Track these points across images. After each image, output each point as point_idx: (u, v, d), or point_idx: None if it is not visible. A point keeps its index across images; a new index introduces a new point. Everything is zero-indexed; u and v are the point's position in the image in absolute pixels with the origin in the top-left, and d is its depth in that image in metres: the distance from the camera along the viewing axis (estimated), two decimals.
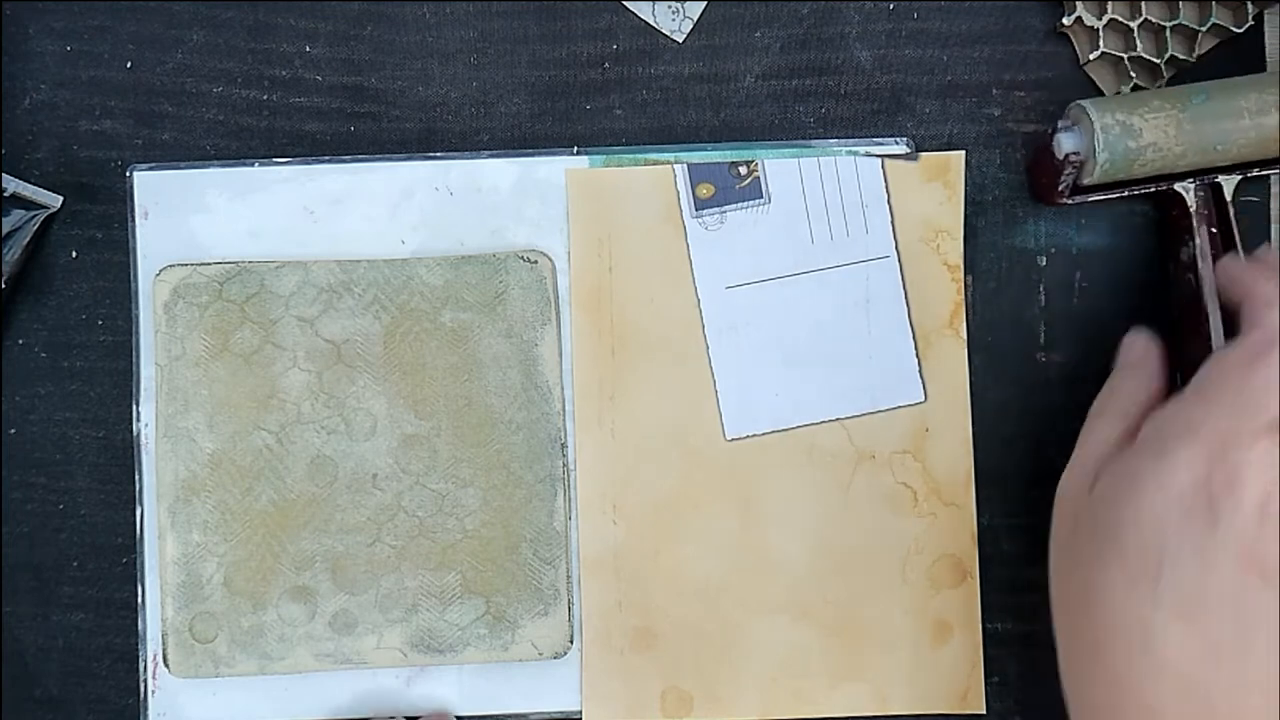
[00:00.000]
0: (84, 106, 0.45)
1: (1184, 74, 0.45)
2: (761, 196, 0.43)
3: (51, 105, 0.45)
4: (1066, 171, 0.42)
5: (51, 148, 0.45)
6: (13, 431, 0.45)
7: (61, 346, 0.45)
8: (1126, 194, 0.43)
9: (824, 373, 0.43)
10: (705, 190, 0.44)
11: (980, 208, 0.45)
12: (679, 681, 0.43)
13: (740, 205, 0.43)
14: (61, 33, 0.45)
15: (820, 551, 0.43)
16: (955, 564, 0.43)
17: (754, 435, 0.43)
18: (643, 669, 0.43)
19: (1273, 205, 0.45)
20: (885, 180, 0.43)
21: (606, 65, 0.45)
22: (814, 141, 0.44)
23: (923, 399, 0.43)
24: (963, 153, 0.43)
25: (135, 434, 0.43)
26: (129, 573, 0.44)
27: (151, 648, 0.43)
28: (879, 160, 0.43)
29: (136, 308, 0.43)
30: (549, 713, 0.43)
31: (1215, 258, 0.43)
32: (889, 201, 0.43)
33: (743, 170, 0.43)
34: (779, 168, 0.44)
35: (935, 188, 0.43)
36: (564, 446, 0.43)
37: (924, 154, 0.44)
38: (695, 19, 0.45)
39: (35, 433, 0.45)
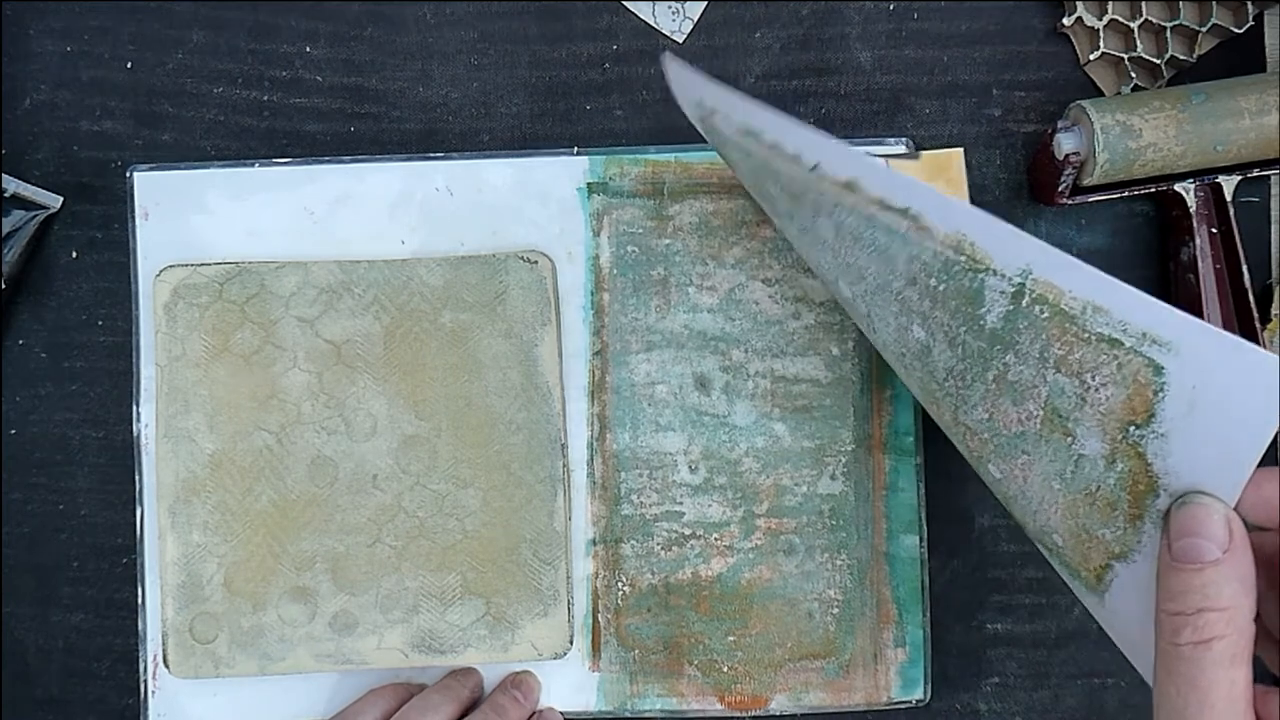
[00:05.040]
0: (84, 107, 0.45)
1: (1184, 74, 0.45)
2: None
3: (52, 106, 0.45)
4: (1066, 172, 0.42)
5: (52, 148, 0.45)
6: (13, 432, 0.45)
7: (61, 347, 0.45)
8: (1126, 194, 0.43)
9: None
10: None
11: (980, 208, 0.45)
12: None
13: None
14: (61, 33, 0.45)
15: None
16: None
17: None
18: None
19: (1273, 205, 0.45)
20: None
21: (607, 65, 0.45)
22: None
23: None
24: (960, 150, 0.43)
25: (135, 434, 0.43)
26: (129, 573, 0.44)
27: (151, 648, 0.43)
28: (882, 160, 0.43)
29: (137, 308, 0.43)
30: None
31: (1215, 258, 0.43)
32: None
33: None
34: None
35: (938, 186, 0.43)
36: (564, 447, 0.43)
37: (924, 152, 0.43)
38: (695, 19, 0.45)
39: (35, 433, 0.45)
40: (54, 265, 0.45)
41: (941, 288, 0.33)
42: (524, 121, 0.45)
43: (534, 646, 0.43)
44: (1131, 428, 0.30)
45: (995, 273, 0.32)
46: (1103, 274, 0.30)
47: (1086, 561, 0.32)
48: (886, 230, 0.34)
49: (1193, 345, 0.28)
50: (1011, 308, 0.31)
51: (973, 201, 0.45)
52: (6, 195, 0.43)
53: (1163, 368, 0.29)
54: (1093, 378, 0.30)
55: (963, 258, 0.32)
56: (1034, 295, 0.31)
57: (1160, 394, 0.29)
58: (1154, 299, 0.29)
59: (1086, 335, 0.30)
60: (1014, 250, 0.31)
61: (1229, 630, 0.27)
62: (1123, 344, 0.29)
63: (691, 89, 0.38)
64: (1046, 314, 0.31)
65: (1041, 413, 0.32)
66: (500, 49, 0.45)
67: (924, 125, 0.45)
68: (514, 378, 0.43)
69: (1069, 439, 0.31)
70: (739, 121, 0.37)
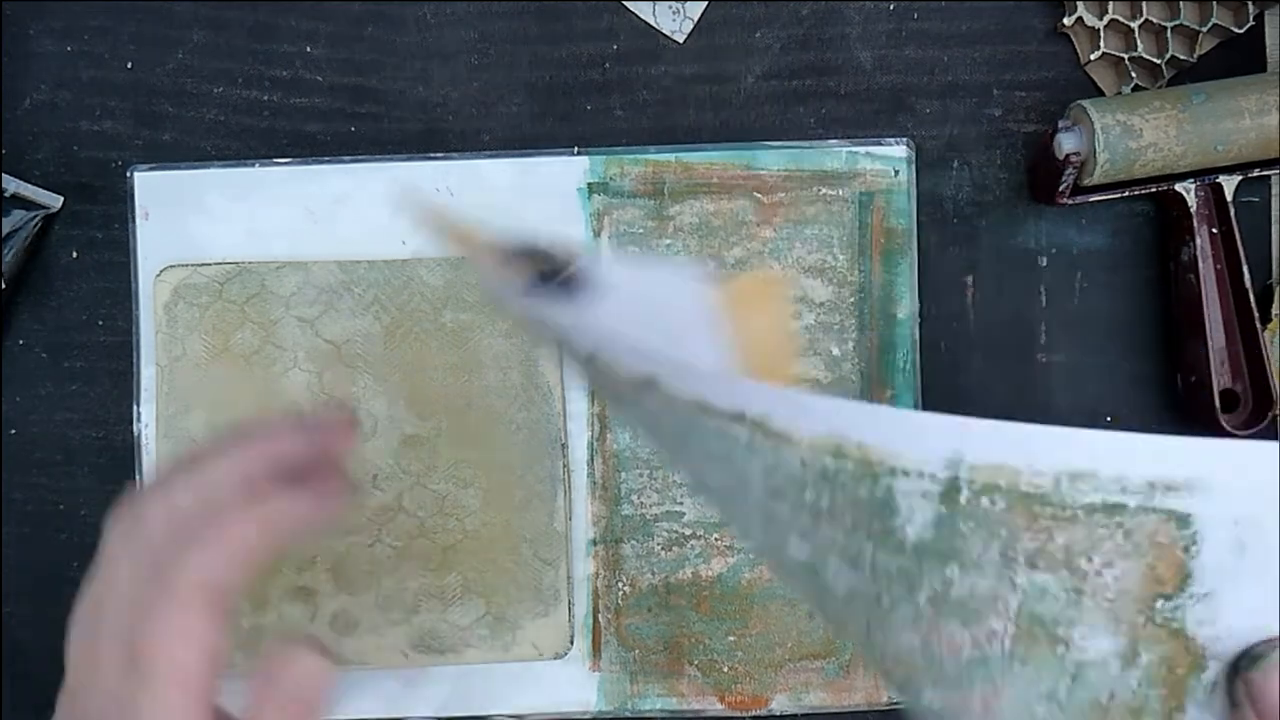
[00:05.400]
0: (84, 107, 0.45)
1: (1184, 74, 0.45)
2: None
3: (52, 106, 0.45)
4: (1067, 172, 0.42)
5: (52, 148, 0.45)
6: (13, 432, 0.45)
7: (62, 347, 0.45)
8: (1127, 194, 0.43)
9: None
10: None
11: (981, 208, 0.45)
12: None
13: None
14: (62, 33, 0.45)
15: None
16: None
17: None
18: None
19: (1273, 205, 0.45)
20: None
21: (607, 66, 0.45)
22: (814, 142, 0.44)
23: None
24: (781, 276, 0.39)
25: (135, 434, 0.43)
26: None
27: None
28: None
29: (137, 308, 0.43)
30: (550, 713, 0.43)
31: (1216, 258, 0.43)
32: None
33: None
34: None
35: (748, 315, 0.32)
36: (564, 447, 0.43)
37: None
38: (695, 19, 0.45)
39: (35, 433, 0.45)
40: (54, 265, 0.45)
41: (825, 502, 0.24)
42: (524, 121, 0.45)
43: (534, 646, 0.43)
44: (1160, 602, 0.22)
45: (907, 474, 0.22)
46: (1073, 430, 0.22)
47: None
48: (720, 436, 0.24)
49: (1224, 473, 0.21)
50: (944, 511, 0.23)
51: (973, 203, 0.45)
52: (6, 195, 0.43)
53: (1189, 516, 0.21)
54: (1090, 561, 0.22)
55: (849, 464, 0.23)
56: (976, 488, 0.22)
57: (1194, 548, 0.22)
58: (1150, 436, 0.21)
59: (1070, 513, 0.22)
60: (929, 439, 0.22)
61: None
62: (1126, 506, 0.22)
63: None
64: (1003, 504, 0.22)
65: (1013, 628, 0.23)
66: (500, 49, 0.45)
67: (924, 125, 0.45)
68: (514, 378, 0.43)
69: (1061, 647, 0.23)
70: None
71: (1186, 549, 0.22)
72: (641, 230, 0.44)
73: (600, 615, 0.44)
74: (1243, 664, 0.22)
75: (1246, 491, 0.21)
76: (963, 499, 0.22)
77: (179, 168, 0.44)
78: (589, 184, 0.44)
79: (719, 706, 0.43)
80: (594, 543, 0.44)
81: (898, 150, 0.44)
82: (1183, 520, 0.21)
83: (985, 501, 0.22)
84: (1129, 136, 0.41)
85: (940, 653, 0.24)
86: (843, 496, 0.23)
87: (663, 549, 0.44)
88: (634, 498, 0.44)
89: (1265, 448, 0.21)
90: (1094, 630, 0.22)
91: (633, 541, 0.44)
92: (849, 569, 0.24)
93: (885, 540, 0.23)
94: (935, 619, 0.24)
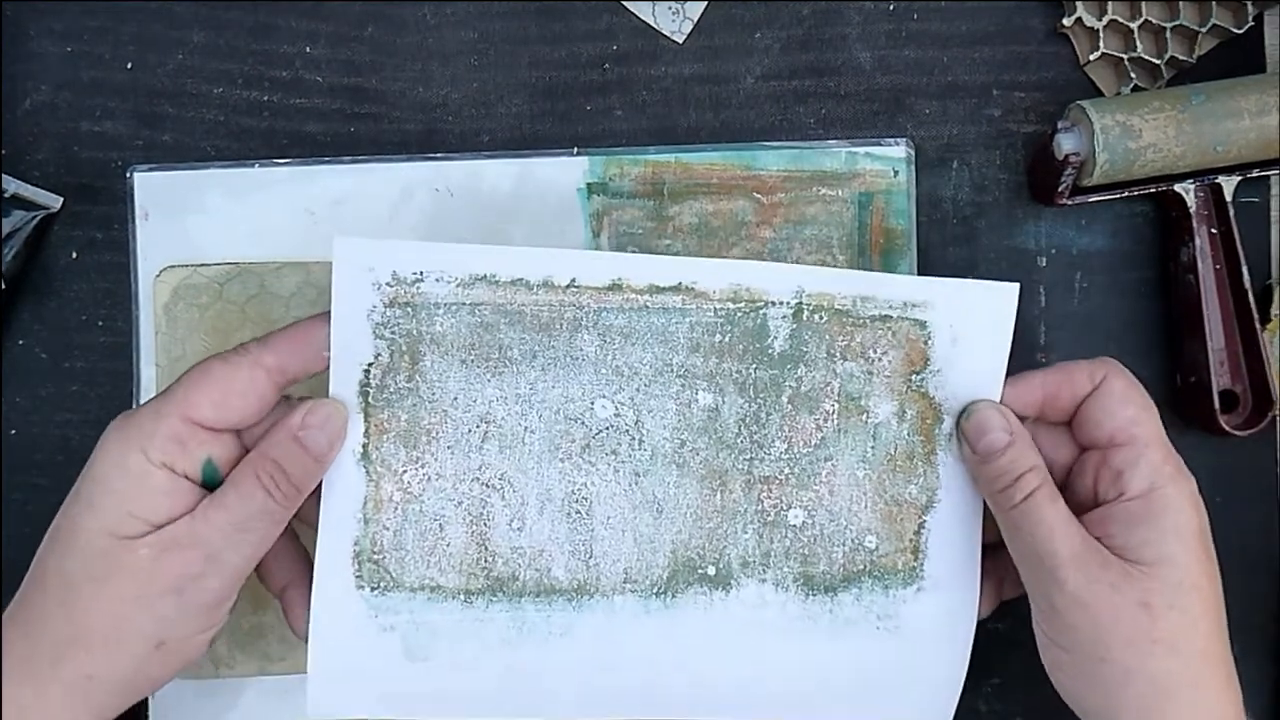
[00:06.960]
0: (85, 107, 0.45)
1: (1184, 75, 0.45)
2: None
3: (52, 106, 0.45)
4: (1066, 172, 0.42)
5: (52, 149, 0.45)
6: (13, 432, 0.45)
7: (62, 347, 0.45)
8: (1126, 195, 0.43)
9: None
10: None
11: (980, 208, 0.45)
12: None
13: None
14: (62, 34, 0.45)
15: None
16: None
17: None
18: None
19: (1273, 206, 0.45)
20: None
21: (607, 66, 0.45)
22: (814, 142, 0.44)
23: None
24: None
25: None
26: None
27: None
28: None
29: (137, 309, 0.43)
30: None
31: (1215, 258, 0.43)
32: None
33: None
34: None
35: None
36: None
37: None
38: (695, 20, 0.45)
39: (36, 433, 0.45)
40: (54, 265, 0.45)
41: (727, 339, 0.38)
42: (524, 122, 0.45)
43: None
44: (913, 376, 0.38)
45: (773, 303, 0.37)
46: (861, 272, 0.39)
47: (902, 540, 0.39)
48: (662, 311, 0.37)
49: (941, 296, 0.37)
50: (794, 326, 0.37)
51: (973, 203, 0.45)
52: (6, 195, 0.43)
53: (925, 322, 0.37)
54: (875, 351, 0.38)
55: (742, 303, 0.37)
56: (812, 307, 0.37)
57: (929, 341, 0.37)
58: (903, 276, 0.38)
59: (861, 321, 0.37)
60: (784, 278, 0.37)
61: (1041, 479, 0.35)
62: (891, 317, 0.37)
63: (380, 260, 0.36)
64: (825, 318, 0.37)
65: (837, 405, 0.38)
66: (500, 49, 0.45)
67: (924, 126, 0.45)
68: None
69: (864, 415, 0.38)
70: (465, 272, 0.36)
71: (926, 341, 0.37)
72: (641, 230, 0.44)
73: None
74: (962, 416, 0.37)
75: (955, 307, 0.37)
76: (805, 315, 0.37)
77: (179, 168, 0.44)
78: (589, 184, 0.44)
79: None
80: None
81: (897, 150, 0.44)
82: (922, 325, 0.37)
83: (817, 317, 0.37)
84: (1128, 137, 0.41)
85: (798, 448, 0.38)
86: (738, 330, 0.37)
87: None
88: None
89: (967, 283, 0.37)
90: (880, 399, 0.38)
91: None
92: (739, 395, 0.38)
93: (762, 357, 0.38)
94: (794, 415, 0.38)
